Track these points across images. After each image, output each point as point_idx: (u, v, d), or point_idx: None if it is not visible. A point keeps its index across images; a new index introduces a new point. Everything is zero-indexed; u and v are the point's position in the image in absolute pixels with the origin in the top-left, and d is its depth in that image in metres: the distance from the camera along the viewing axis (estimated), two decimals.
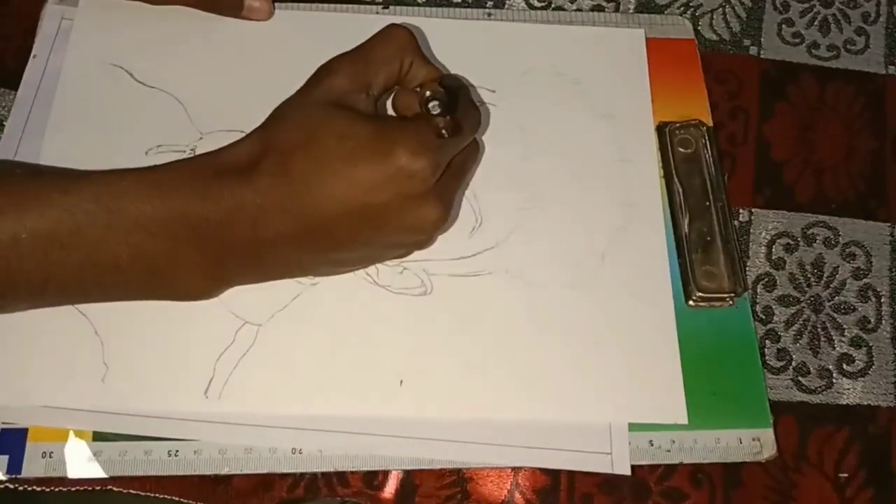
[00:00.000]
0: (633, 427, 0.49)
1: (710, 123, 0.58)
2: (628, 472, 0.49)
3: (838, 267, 0.56)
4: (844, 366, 0.54)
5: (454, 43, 0.60)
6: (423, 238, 0.47)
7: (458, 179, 0.48)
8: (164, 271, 0.44)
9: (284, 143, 0.43)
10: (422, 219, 0.44)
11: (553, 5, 0.62)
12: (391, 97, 0.50)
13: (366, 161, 0.42)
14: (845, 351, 0.54)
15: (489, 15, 0.61)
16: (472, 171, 0.53)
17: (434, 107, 0.46)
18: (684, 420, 0.50)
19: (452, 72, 0.58)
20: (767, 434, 0.50)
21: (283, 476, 0.48)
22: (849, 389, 0.53)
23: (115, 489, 0.47)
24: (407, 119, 0.48)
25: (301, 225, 0.43)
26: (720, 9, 0.64)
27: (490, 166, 0.55)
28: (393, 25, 0.48)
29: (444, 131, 0.44)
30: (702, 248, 0.54)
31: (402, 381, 0.49)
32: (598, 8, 0.63)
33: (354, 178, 0.42)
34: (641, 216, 0.55)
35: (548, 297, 0.52)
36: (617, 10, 0.63)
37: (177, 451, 0.47)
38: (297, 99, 0.46)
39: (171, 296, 0.47)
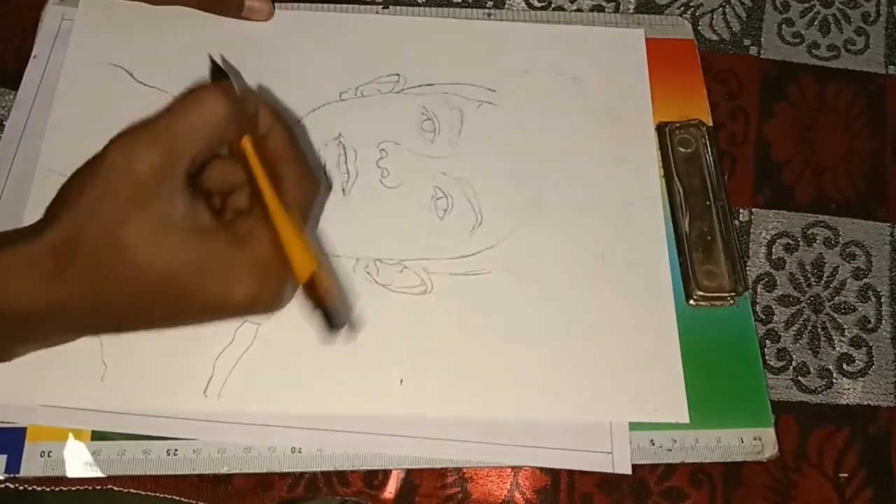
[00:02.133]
0: (634, 426, 0.49)
1: (710, 123, 0.58)
2: (629, 471, 0.48)
3: (838, 267, 0.56)
4: (844, 366, 0.54)
5: (454, 43, 0.60)
6: (241, 310, 0.42)
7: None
8: None
9: (92, 252, 0.38)
10: (226, 293, 0.40)
11: (553, 5, 0.63)
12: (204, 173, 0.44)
13: (172, 299, 0.39)
14: (845, 351, 0.54)
15: (489, 15, 0.61)
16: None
17: None
18: (685, 419, 0.50)
19: (452, 72, 0.58)
20: (769, 433, 0.50)
21: (283, 475, 0.48)
22: (849, 389, 0.53)
23: (114, 488, 0.47)
24: (228, 239, 0.40)
25: (96, 320, 0.41)
26: (720, 9, 0.64)
27: (490, 166, 0.56)
28: (205, 95, 0.41)
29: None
30: (702, 247, 0.54)
31: (402, 380, 0.49)
32: (597, 8, 0.63)
33: (156, 309, 0.40)
34: (642, 215, 0.55)
35: (548, 296, 0.52)
36: (617, 10, 0.63)
37: (176, 450, 0.47)
38: (100, 186, 0.39)
39: None
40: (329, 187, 0.53)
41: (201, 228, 0.40)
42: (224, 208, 0.45)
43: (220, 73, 0.47)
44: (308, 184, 0.44)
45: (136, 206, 0.38)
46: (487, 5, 0.62)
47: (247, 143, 0.42)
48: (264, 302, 0.41)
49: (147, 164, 0.39)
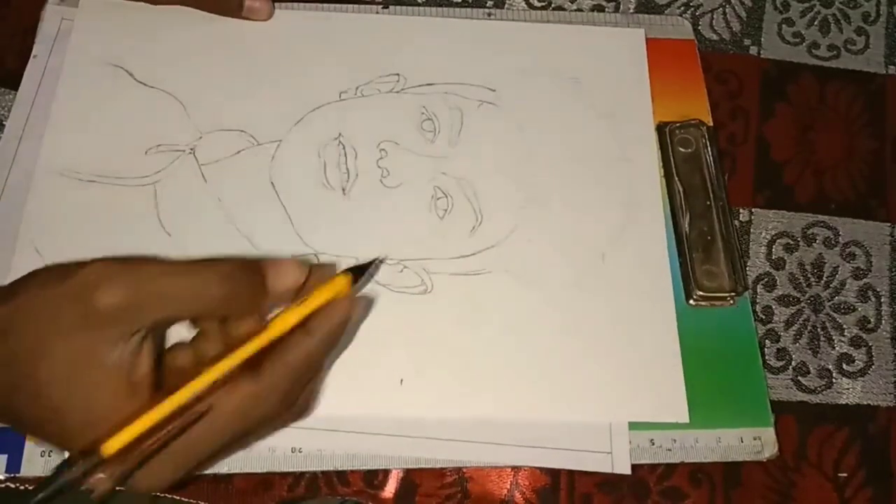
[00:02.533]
0: (634, 426, 0.49)
1: (710, 123, 0.58)
2: (628, 471, 0.48)
3: (838, 267, 0.56)
4: (844, 365, 0.54)
5: (454, 42, 0.60)
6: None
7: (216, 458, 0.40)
8: None
9: (16, 347, 0.36)
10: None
11: (553, 5, 0.63)
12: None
13: (75, 426, 0.36)
14: (845, 351, 0.54)
15: (489, 15, 0.61)
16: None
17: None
18: (685, 419, 0.50)
19: (452, 72, 0.58)
20: (768, 433, 0.50)
21: (284, 475, 0.48)
22: (848, 389, 0.53)
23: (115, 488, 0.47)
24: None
25: (11, 419, 0.39)
26: (720, 9, 0.64)
27: (490, 166, 0.56)
28: (215, 277, 0.38)
29: None
30: (702, 247, 0.54)
31: (402, 380, 0.49)
32: (598, 8, 0.63)
33: (59, 431, 0.37)
34: (642, 215, 0.55)
35: (548, 296, 0.52)
36: (617, 10, 0.63)
37: None
38: (54, 301, 0.37)
39: None
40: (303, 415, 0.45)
41: (129, 381, 0.37)
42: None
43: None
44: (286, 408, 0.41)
45: (78, 328, 0.36)
46: (487, 5, 0.62)
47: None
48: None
49: (109, 313, 0.36)
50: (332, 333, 0.40)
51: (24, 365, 0.36)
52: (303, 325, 0.39)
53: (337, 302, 0.40)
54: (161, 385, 0.38)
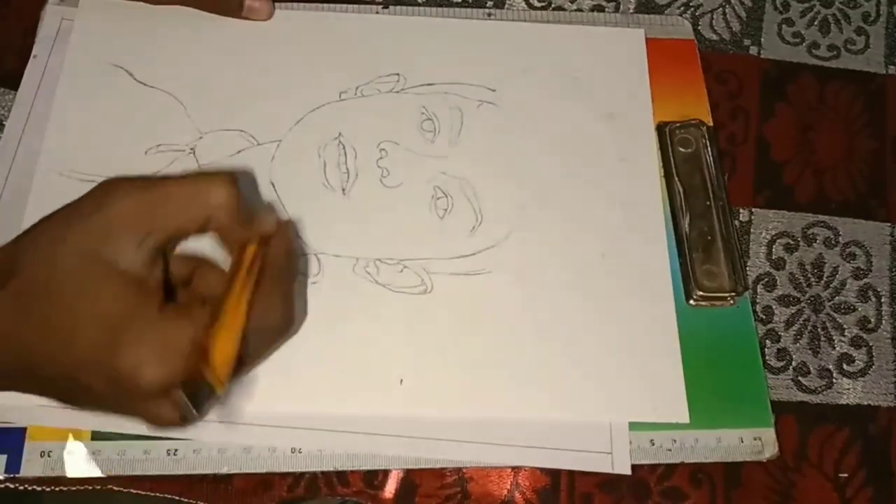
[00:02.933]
0: (634, 426, 0.49)
1: (710, 123, 0.58)
2: (628, 471, 0.48)
3: (838, 267, 0.56)
4: (844, 366, 0.54)
5: (454, 42, 0.60)
6: (160, 430, 0.40)
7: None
8: None
9: (28, 277, 0.37)
10: (150, 415, 0.39)
11: (553, 5, 0.62)
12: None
13: (90, 346, 0.36)
14: (845, 351, 0.54)
15: (489, 15, 0.61)
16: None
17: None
18: (685, 419, 0.50)
19: (452, 72, 0.58)
20: (769, 433, 0.50)
21: (283, 475, 0.48)
22: (849, 389, 0.53)
23: (113, 488, 0.47)
24: (166, 310, 0.38)
25: (19, 362, 0.38)
26: (720, 9, 0.64)
27: (490, 165, 0.56)
28: (216, 180, 0.40)
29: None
30: (702, 247, 0.54)
31: (402, 380, 0.49)
32: (598, 8, 0.63)
33: (75, 354, 0.37)
34: (642, 215, 0.55)
35: (548, 296, 0.52)
36: (617, 10, 0.63)
37: (176, 450, 0.47)
38: (59, 227, 0.38)
39: None
40: (295, 331, 0.48)
41: (142, 281, 0.38)
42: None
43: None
44: (280, 313, 0.42)
45: (91, 239, 0.38)
46: (487, 5, 0.62)
47: (250, 248, 0.41)
48: (185, 426, 0.40)
49: (124, 217, 0.38)
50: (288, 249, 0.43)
51: (36, 289, 0.37)
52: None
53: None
54: (173, 299, 0.41)
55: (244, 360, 0.39)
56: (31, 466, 0.46)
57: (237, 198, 0.40)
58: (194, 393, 0.36)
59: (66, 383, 0.38)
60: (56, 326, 0.37)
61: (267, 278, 0.41)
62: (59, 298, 0.37)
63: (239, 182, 0.41)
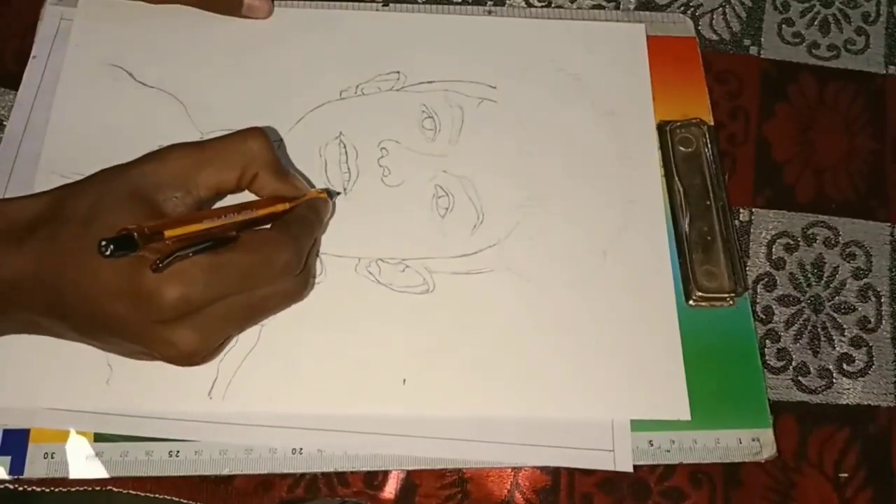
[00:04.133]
0: (633, 427, 0.50)
1: (711, 122, 0.58)
2: (630, 469, 0.49)
3: (838, 267, 0.56)
4: (844, 366, 0.54)
5: (454, 39, 0.60)
6: (172, 362, 0.43)
7: (234, 317, 0.44)
8: None
9: (69, 214, 0.40)
10: (167, 343, 0.41)
11: (553, 3, 0.62)
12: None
13: (114, 267, 0.38)
14: (845, 351, 0.54)
15: (489, 13, 0.61)
16: (275, 310, 0.47)
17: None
18: (687, 416, 0.50)
19: (452, 69, 0.58)
20: (767, 434, 0.50)
21: (284, 476, 0.48)
22: (849, 389, 0.53)
23: (115, 489, 0.47)
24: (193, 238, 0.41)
25: (54, 301, 0.40)
26: (720, 9, 0.64)
27: (491, 163, 0.56)
28: (249, 130, 0.45)
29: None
30: (702, 247, 0.54)
31: (405, 380, 0.49)
32: (597, 6, 0.63)
33: (100, 277, 0.39)
34: (643, 213, 0.55)
35: (550, 294, 0.52)
36: (617, 8, 0.63)
37: (178, 451, 0.47)
38: (111, 171, 0.43)
39: None
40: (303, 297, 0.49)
41: None
42: None
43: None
44: (291, 260, 0.44)
45: (144, 185, 0.41)
46: (487, 4, 0.62)
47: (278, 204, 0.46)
48: (200, 360, 0.43)
49: (171, 169, 0.43)
50: (320, 212, 0.49)
51: (74, 223, 0.40)
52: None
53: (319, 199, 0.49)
54: None
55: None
56: (35, 468, 0.46)
57: (270, 147, 0.45)
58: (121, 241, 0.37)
59: (92, 314, 0.40)
60: (86, 256, 0.38)
61: (290, 224, 0.45)
62: (94, 230, 0.39)
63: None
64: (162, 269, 0.38)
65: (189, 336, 0.41)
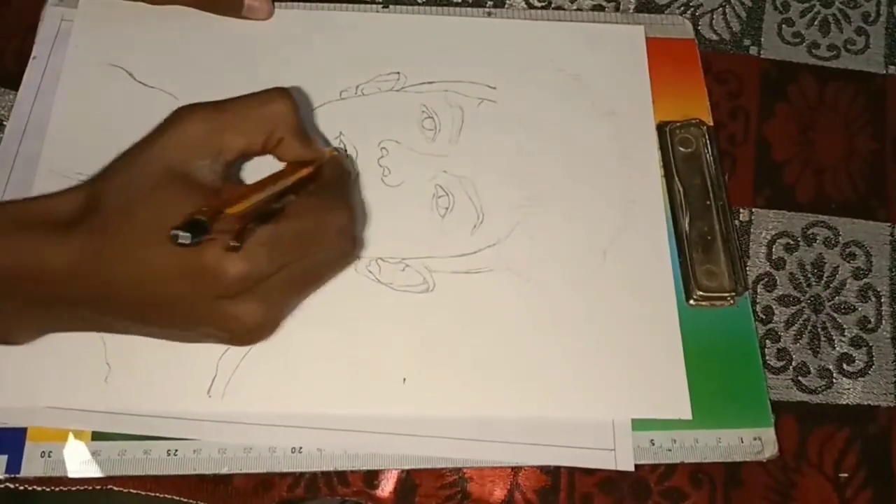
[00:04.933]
0: (634, 426, 0.49)
1: (711, 123, 0.58)
2: (632, 468, 0.49)
3: (838, 267, 0.56)
4: (844, 366, 0.54)
5: (454, 40, 0.60)
6: (239, 338, 0.43)
7: (296, 288, 0.44)
8: None
9: (107, 204, 0.40)
10: (232, 319, 0.41)
11: (553, 5, 0.62)
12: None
13: (171, 249, 0.37)
14: (845, 351, 0.54)
15: (489, 14, 0.61)
16: (332, 274, 0.47)
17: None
18: (688, 415, 0.50)
19: (452, 70, 0.58)
20: (769, 433, 0.50)
21: (283, 475, 0.48)
22: (849, 389, 0.53)
23: (113, 488, 0.47)
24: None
25: (104, 292, 0.40)
26: (720, 9, 0.64)
27: (491, 163, 0.56)
28: (275, 91, 0.44)
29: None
30: (702, 247, 0.54)
31: (405, 379, 0.49)
32: (597, 8, 0.63)
33: (157, 260, 0.38)
34: (643, 212, 0.55)
35: (550, 293, 0.52)
36: (617, 9, 0.63)
37: (176, 450, 0.47)
38: (137, 149, 0.42)
39: None
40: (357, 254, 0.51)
41: (218, 191, 0.41)
42: None
43: None
44: (342, 215, 0.44)
45: (168, 158, 0.40)
46: (487, 5, 0.62)
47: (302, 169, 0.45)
48: (266, 332, 0.43)
49: (195, 134, 0.41)
50: (346, 169, 0.49)
51: (114, 215, 0.39)
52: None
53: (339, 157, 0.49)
54: None
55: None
56: (32, 467, 0.46)
57: (295, 107, 0.44)
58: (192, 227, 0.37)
59: (150, 301, 0.40)
60: (137, 243, 0.38)
61: (331, 186, 0.45)
62: (139, 216, 0.39)
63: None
64: (239, 249, 0.38)
65: (255, 308, 0.41)
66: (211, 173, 0.41)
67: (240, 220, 0.39)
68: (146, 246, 0.38)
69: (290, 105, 0.44)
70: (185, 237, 0.36)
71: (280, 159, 0.46)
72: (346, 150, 0.54)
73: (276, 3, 0.59)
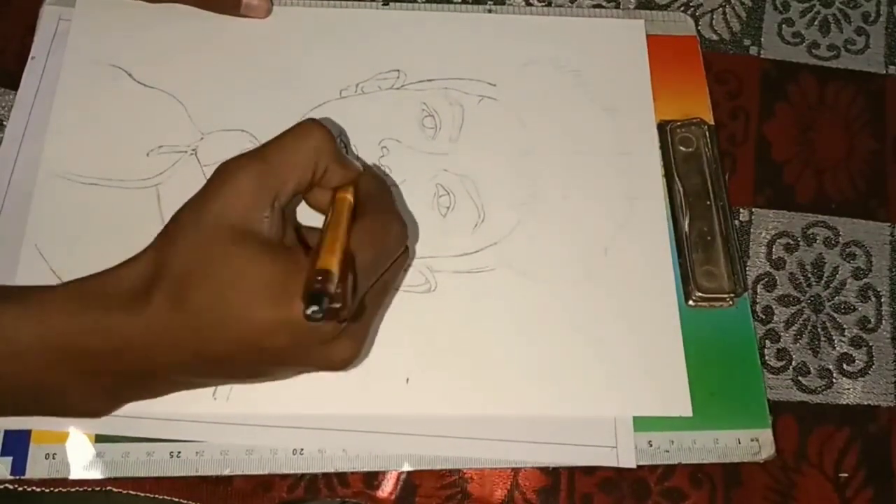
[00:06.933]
0: (633, 426, 0.50)
1: (712, 121, 0.58)
2: (634, 465, 0.49)
3: (838, 267, 0.57)
4: (844, 366, 0.54)
5: (454, 36, 0.60)
6: (335, 370, 0.43)
7: (375, 308, 0.44)
8: (50, 397, 0.41)
9: (178, 272, 0.39)
10: (327, 359, 0.41)
11: (553, 3, 0.62)
12: (307, 195, 0.46)
13: (264, 307, 0.38)
14: (845, 351, 0.54)
15: (489, 12, 0.61)
16: (397, 284, 0.49)
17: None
18: (689, 413, 0.50)
19: (452, 67, 0.58)
20: (766, 434, 0.50)
21: (284, 476, 0.48)
22: (849, 389, 0.53)
23: (113, 489, 0.47)
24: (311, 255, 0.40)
25: (193, 359, 0.40)
26: (720, 8, 0.63)
27: (491, 161, 0.56)
28: (308, 124, 0.43)
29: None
30: (702, 247, 0.54)
31: (408, 379, 0.49)
32: (597, 6, 0.63)
33: (251, 320, 0.38)
34: (644, 210, 0.55)
35: (551, 292, 0.52)
36: (617, 7, 0.63)
37: (179, 452, 0.47)
38: (194, 213, 0.40)
39: (67, 415, 0.45)
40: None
41: (282, 240, 0.41)
42: None
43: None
44: (392, 227, 0.44)
45: (232, 219, 0.39)
46: (487, 3, 0.62)
47: (344, 194, 0.44)
48: (357, 362, 0.43)
49: (247, 189, 0.40)
50: (377, 176, 0.48)
51: (188, 284, 0.38)
52: None
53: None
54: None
55: (358, 279, 0.40)
56: (36, 468, 0.46)
57: (331, 135, 0.43)
58: (318, 300, 0.36)
59: (245, 359, 0.40)
60: (220, 308, 0.38)
61: (368, 205, 0.44)
62: (220, 279, 0.38)
63: None
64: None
65: (348, 345, 0.41)
66: (273, 224, 0.41)
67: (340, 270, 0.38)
68: (237, 307, 0.38)
69: (326, 134, 0.43)
70: (317, 312, 0.35)
71: (325, 187, 0.45)
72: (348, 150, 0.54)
73: (275, 1, 0.59)
